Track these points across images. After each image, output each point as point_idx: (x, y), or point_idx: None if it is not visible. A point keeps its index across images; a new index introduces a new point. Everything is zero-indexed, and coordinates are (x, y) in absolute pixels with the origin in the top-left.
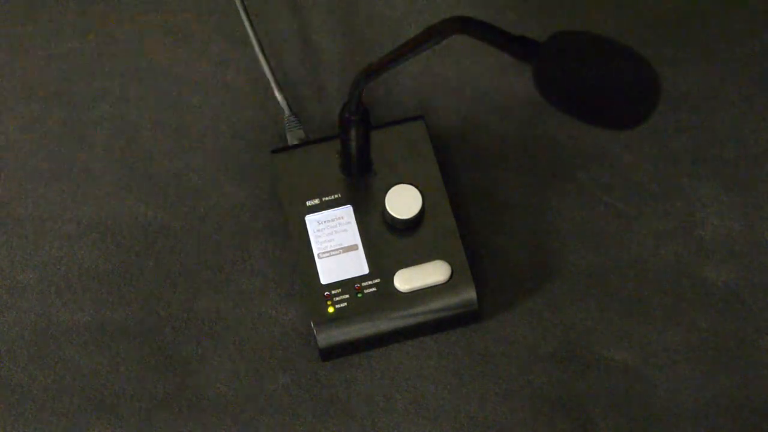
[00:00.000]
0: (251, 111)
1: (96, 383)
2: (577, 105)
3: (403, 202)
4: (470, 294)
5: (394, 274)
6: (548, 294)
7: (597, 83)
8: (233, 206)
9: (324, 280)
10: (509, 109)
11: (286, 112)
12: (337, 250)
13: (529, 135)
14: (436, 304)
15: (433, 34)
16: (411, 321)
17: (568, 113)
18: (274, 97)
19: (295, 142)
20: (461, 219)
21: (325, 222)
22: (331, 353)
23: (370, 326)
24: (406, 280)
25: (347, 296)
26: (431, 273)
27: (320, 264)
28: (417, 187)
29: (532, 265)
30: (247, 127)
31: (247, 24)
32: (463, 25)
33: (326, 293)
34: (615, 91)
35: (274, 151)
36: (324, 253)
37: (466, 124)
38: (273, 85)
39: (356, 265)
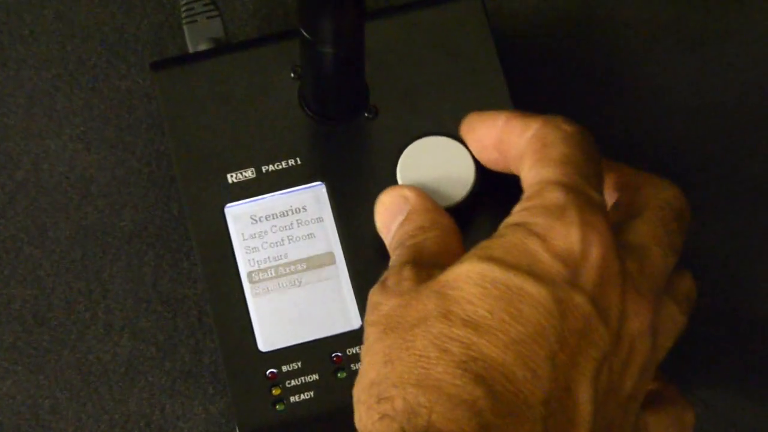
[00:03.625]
0: None
1: None
2: None
3: (435, 172)
4: None
5: None
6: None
7: None
8: (72, 184)
9: (264, 344)
10: None
11: None
12: (292, 275)
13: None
14: None
15: None
16: None
17: None
18: None
19: (203, 47)
20: None
21: (266, 218)
22: None
23: None
24: None
25: (315, 377)
26: None
27: (256, 307)
28: (464, 143)
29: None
30: (94, 21)
31: None
32: None
33: (269, 372)
34: None
35: (155, 66)
36: (264, 282)
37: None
38: None
39: (333, 309)
